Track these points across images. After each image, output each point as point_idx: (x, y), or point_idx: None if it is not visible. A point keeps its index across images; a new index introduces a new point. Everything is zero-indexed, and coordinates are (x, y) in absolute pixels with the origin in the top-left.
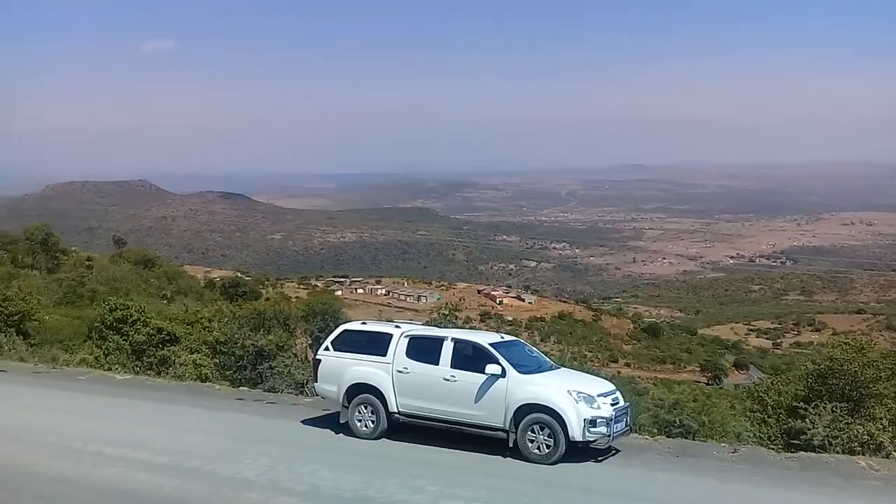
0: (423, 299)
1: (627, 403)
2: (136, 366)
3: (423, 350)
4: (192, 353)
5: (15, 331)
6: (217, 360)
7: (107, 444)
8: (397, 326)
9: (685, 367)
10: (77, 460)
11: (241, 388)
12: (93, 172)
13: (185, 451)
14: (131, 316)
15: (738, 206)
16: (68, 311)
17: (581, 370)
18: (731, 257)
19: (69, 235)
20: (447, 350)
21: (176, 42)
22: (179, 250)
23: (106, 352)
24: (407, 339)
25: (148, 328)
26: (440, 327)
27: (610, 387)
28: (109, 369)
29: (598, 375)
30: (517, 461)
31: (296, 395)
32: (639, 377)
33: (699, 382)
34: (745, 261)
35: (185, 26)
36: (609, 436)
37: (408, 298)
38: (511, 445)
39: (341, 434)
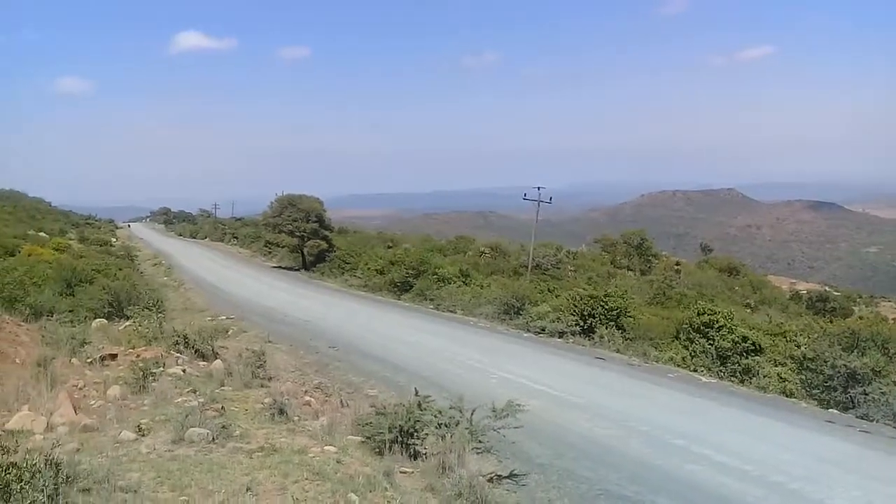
0: None
1: None
2: (720, 371)
3: None
4: (777, 366)
5: (614, 325)
6: (803, 377)
7: (692, 442)
8: None
9: None
10: (665, 451)
11: (829, 409)
12: (683, 182)
13: (769, 464)
14: (717, 322)
15: None
16: (657, 310)
17: None
18: None
19: (660, 240)
20: None
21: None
22: (763, 260)
23: (692, 353)
24: None
25: (733, 335)
26: None
27: None
28: (695, 370)
29: None
30: None
31: (895, 427)
32: None
33: None
34: None
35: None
36: None
37: None
38: None
39: None
